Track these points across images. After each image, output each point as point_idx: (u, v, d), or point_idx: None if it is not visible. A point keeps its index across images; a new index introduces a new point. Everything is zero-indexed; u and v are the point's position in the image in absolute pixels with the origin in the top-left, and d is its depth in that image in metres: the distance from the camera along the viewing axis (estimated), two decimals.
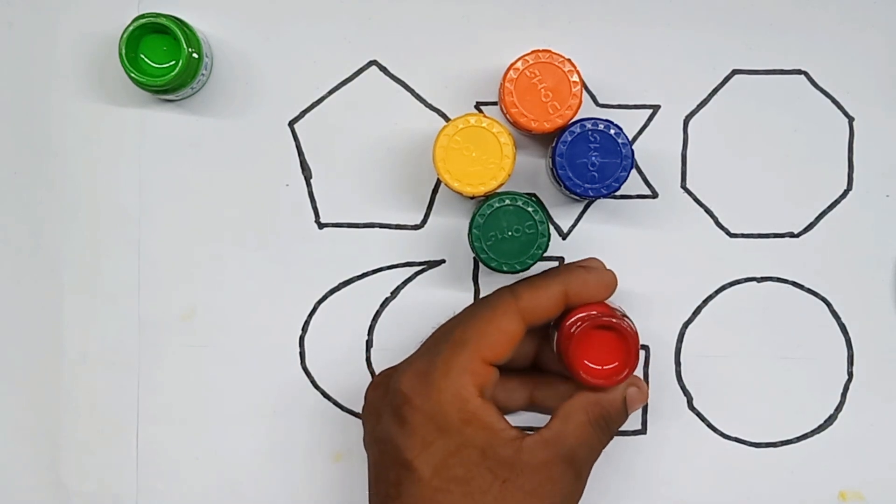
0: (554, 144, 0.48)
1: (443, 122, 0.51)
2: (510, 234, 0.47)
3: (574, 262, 0.49)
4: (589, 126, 0.47)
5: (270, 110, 0.51)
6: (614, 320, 0.45)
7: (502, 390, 0.48)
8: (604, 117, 0.47)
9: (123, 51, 0.47)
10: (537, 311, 0.45)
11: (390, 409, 0.45)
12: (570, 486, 0.45)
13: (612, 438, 0.46)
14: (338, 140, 0.51)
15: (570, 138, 0.47)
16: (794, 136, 0.51)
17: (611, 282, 0.47)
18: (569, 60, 0.48)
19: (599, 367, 0.45)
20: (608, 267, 0.49)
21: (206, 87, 0.51)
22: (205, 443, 0.51)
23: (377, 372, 0.52)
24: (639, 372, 0.51)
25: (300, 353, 0.51)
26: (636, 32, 0.51)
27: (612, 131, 0.47)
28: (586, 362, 0.45)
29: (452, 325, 0.46)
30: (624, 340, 0.45)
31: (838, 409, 0.51)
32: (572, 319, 0.46)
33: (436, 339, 0.46)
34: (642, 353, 0.51)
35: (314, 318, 0.51)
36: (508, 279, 0.51)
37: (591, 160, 0.47)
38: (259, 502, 0.51)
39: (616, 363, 0.45)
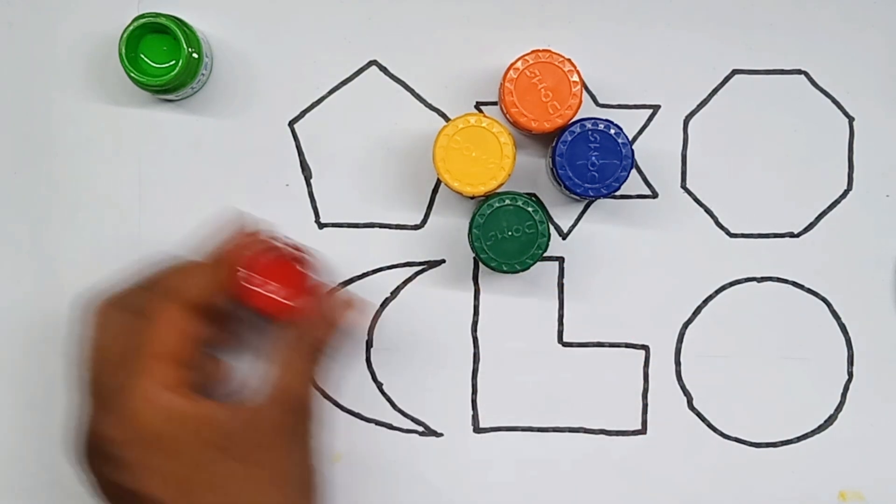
0: (554, 144, 0.48)
1: (443, 122, 0.51)
2: (510, 233, 0.47)
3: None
4: (589, 126, 0.47)
5: (270, 110, 0.51)
6: (275, 248, 0.46)
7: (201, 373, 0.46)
8: (604, 117, 0.47)
9: (123, 51, 0.48)
10: (199, 297, 0.43)
11: (104, 459, 0.42)
12: (310, 428, 0.45)
13: (330, 359, 0.46)
14: (338, 140, 0.51)
15: (570, 138, 0.47)
16: (794, 136, 0.51)
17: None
18: (569, 60, 0.48)
19: (274, 296, 0.45)
20: (608, 267, 0.50)
21: (206, 87, 0.51)
22: None
23: (377, 373, 0.52)
24: (638, 371, 0.51)
25: None
26: (636, 32, 0.51)
27: (612, 131, 0.47)
28: (261, 291, 0.45)
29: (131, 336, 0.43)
30: (287, 263, 0.46)
31: (838, 409, 0.51)
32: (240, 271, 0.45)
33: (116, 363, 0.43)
34: (642, 353, 0.51)
35: None
36: (509, 279, 0.51)
37: (591, 160, 0.47)
38: None
39: (291, 288, 0.45)
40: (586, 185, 0.47)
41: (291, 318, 0.45)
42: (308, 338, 0.45)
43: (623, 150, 0.47)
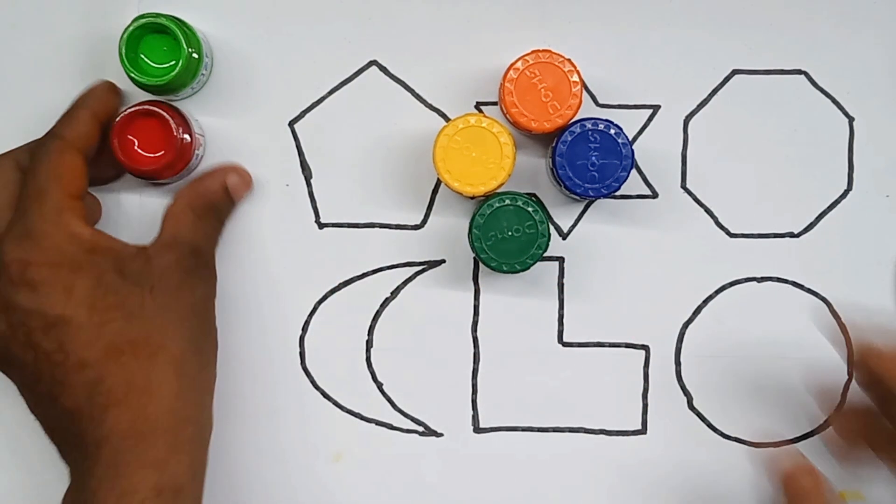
0: (554, 144, 0.48)
1: (443, 122, 0.51)
2: (510, 233, 0.47)
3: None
4: (589, 126, 0.47)
5: (270, 110, 0.51)
6: (154, 108, 0.47)
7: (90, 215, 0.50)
8: (604, 117, 0.47)
9: (123, 51, 0.48)
10: (82, 138, 0.47)
11: (11, 285, 0.44)
12: (205, 275, 0.48)
13: (224, 224, 0.50)
14: (338, 140, 0.51)
15: (570, 138, 0.47)
16: (794, 136, 0.51)
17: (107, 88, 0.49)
18: (569, 60, 0.48)
19: (148, 154, 0.48)
20: (608, 267, 0.50)
21: (206, 87, 0.51)
22: None
23: (377, 373, 0.52)
24: (638, 371, 0.51)
25: (300, 353, 0.51)
26: (636, 32, 0.51)
27: (612, 131, 0.47)
28: (138, 150, 0.47)
29: (23, 189, 0.46)
30: (167, 126, 0.47)
31: (838, 409, 0.51)
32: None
33: (13, 207, 0.46)
34: (642, 353, 0.51)
35: (314, 318, 0.51)
36: (509, 279, 0.51)
37: (591, 160, 0.47)
38: (259, 502, 0.51)
39: (163, 150, 0.48)
40: (586, 185, 0.47)
41: (161, 174, 0.48)
42: (195, 193, 0.49)
43: (623, 151, 0.47)
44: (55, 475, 0.46)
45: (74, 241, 0.45)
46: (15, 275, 0.44)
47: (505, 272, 0.47)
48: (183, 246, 0.47)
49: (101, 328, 0.44)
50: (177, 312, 0.46)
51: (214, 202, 0.49)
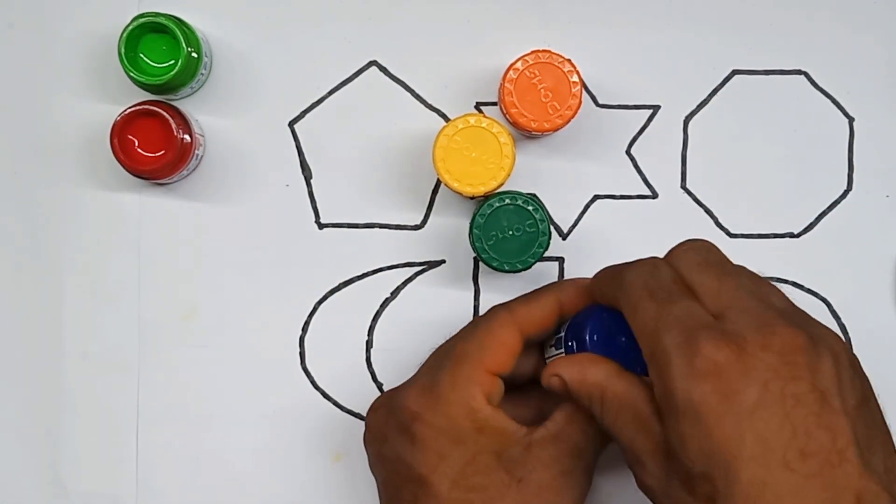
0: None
1: (443, 122, 0.51)
2: (511, 233, 0.47)
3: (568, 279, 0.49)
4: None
5: (270, 110, 0.51)
6: (154, 108, 0.47)
7: (510, 407, 0.48)
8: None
9: (123, 50, 0.48)
10: (533, 322, 0.45)
11: (397, 429, 0.45)
12: (581, 479, 0.45)
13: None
14: (338, 140, 0.51)
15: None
16: (794, 136, 0.51)
17: None
18: (569, 60, 0.48)
19: (148, 154, 0.47)
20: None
21: (206, 87, 0.51)
22: (205, 443, 0.51)
23: (377, 373, 0.52)
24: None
25: (300, 353, 0.51)
26: (636, 32, 0.51)
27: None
28: (138, 150, 0.47)
29: (452, 343, 0.46)
30: (167, 126, 0.47)
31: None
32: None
33: (436, 357, 0.46)
34: None
35: (314, 318, 0.51)
36: (509, 279, 0.51)
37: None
38: (259, 502, 0.51)
39: (163, 150, 0.47)
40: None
41: (161, 174, 0.48)
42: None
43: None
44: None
45: (469, 415, 0.43)
46: (404, 421, 0.44)
47: (506, 271, 0.47)
48: (569, 442, 0.44)
49: None
50: None
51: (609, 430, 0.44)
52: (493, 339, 0.45)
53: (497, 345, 0.45)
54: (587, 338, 0.44)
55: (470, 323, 0.47)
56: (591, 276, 0.48)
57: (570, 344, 0.45)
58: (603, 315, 0.44)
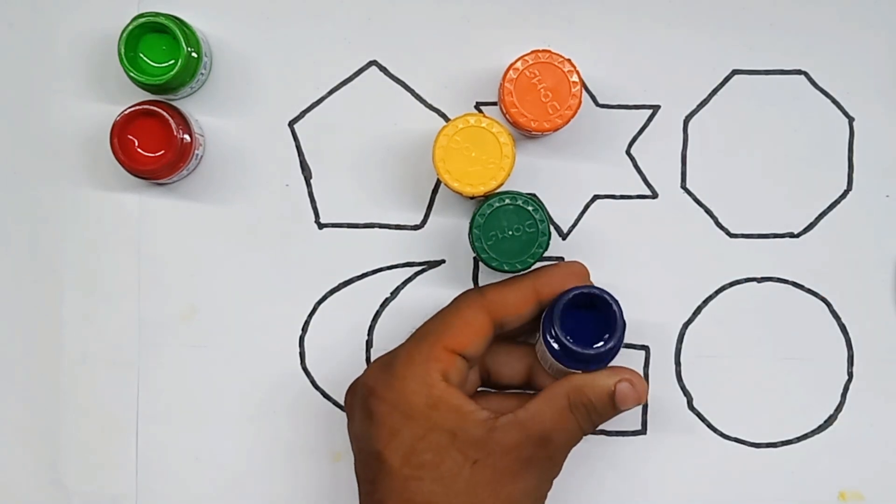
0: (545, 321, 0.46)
1: (443, 122, 0.51)
2: (511, 233, 0.47)
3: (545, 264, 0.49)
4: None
5: (270, 110, 0.51)
6: (154, 108, 0.47)
7: (497, 405, 0.48)
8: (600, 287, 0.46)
9: (123, 50, 0.47)
10: (505, 306, 0.46)
11: (360, 405, 0.46)
12: (543, 469, 0.45)
13: (594, 428, 0.46)
14: (338, 140, 0.51)
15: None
16: (794, 136, 0.51)
17: (581, 270, 0.47)
18: (569, 60, 0.48)
19: (148, 154, 0.48)
20: (608, 267, 0.50)
21: (206, 87, 0.51)
22: (205, 443, 0.51)
23: None
24: (638, 371, 0.51)
25: (300, 353, 0.51)
26: (636, 32, 0.51)
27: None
28: (138, 150, 0.47)
29: (420, 326, 0.47)
30: (167, 126, 0.47)
31: (838, 409, 0.51)
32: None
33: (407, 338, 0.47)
34: (642, 353, 0.51)
35: (314, 318, 0.51)
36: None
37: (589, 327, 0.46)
38: (259, 502, 0.51)
39: (163, 150, 0.47)
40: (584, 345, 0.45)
41: (161, 174, 0.48)
42: (578, 385, 0.45)
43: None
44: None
45: (423, 391, 0.44)
46: (364, 396, 0.45)
47: (506, 272, 0.47)
48: (536, 430, 0.44)
49: (406, 482, 0.43)
50: (489, 497, 0.43)
51: (594, 401, 0.45)
52: (457, 317, 0.45)
53: (461, 323, 0.45)
54: (563, 337, 0.45)
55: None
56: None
57: (547, 338, 0.45)
58: (574, 302, 0.45)
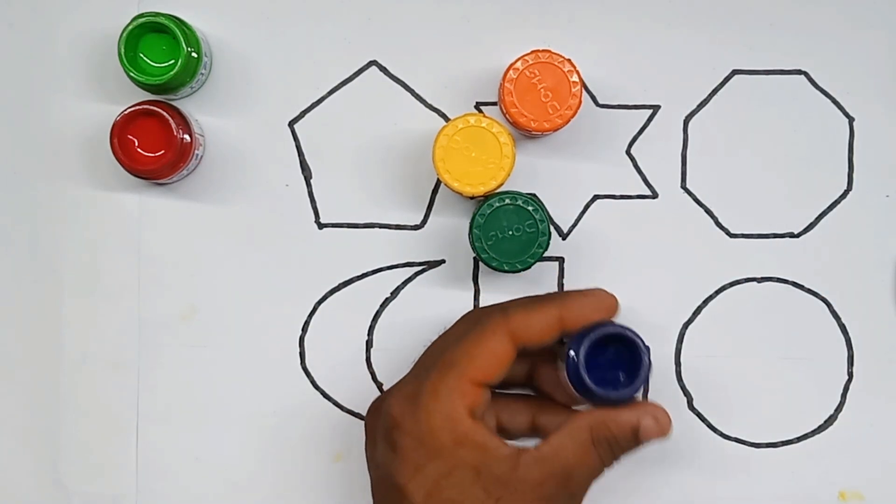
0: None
1: (443, 122, 0.51)
2: (511, 233, 0.47)
3: (574, 290, 0.48)
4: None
5: (270, 110, 0.51)
6: (154, 108, 0.47)
7: (504, 413, 0.48)
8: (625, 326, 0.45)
9: (123, 50, 0.48)
10: (529, 333, 0.45)
11: (383, 434, 0.45)
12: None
13: (614, 462, 0.45)
14: (338, 140, 0.51)
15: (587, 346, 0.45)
16: (794, 136, 0.51)
17: (610, 304, 0.46)
18: (569, 60, 0.48)
19: (148, 154, 0.48)
20: (608, 267, 0.50)
21: (206, 87, 0.51)
22: (205, 443, 0.51)
23: (377, 373, 0.52)
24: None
25: (300, 353, 0.51)
26: (636, 32, 0.51)
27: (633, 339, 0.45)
28: (138, 150, 0.48)
29: (442, 346, 0.46)
30: (167, 126, 0.47)
31: (838, 409, 0.51)
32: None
33: (424, 360, 0.46)
34: None
35: (314, 318, 0.51)
36: (509, 279, 0.51)
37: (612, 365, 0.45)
38: (259, 502, 0.51)
39: (163, 150, 0.47)
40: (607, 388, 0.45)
41: (161, 174, 0.48)
42: (602, 420, 0.44)
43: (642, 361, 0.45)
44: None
45: (449, 427, 0.43)
46: (388, 427, 0.44)
47: (506, 271, 0.47)
48: (559, 466, 0.43)
49: None
50: None
51: (618, 437, 0.44)
52: (483, 348, 0.44)
53: (486, 354, 0.44)
54: (586, 377, 0.44)
55: (463, 321, 0.47)
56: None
57: (570, 378, 0.45)
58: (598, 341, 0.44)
